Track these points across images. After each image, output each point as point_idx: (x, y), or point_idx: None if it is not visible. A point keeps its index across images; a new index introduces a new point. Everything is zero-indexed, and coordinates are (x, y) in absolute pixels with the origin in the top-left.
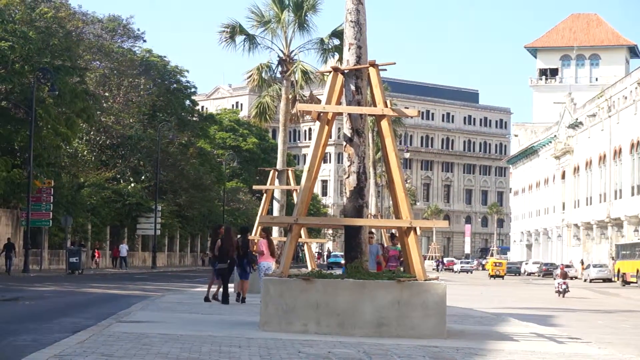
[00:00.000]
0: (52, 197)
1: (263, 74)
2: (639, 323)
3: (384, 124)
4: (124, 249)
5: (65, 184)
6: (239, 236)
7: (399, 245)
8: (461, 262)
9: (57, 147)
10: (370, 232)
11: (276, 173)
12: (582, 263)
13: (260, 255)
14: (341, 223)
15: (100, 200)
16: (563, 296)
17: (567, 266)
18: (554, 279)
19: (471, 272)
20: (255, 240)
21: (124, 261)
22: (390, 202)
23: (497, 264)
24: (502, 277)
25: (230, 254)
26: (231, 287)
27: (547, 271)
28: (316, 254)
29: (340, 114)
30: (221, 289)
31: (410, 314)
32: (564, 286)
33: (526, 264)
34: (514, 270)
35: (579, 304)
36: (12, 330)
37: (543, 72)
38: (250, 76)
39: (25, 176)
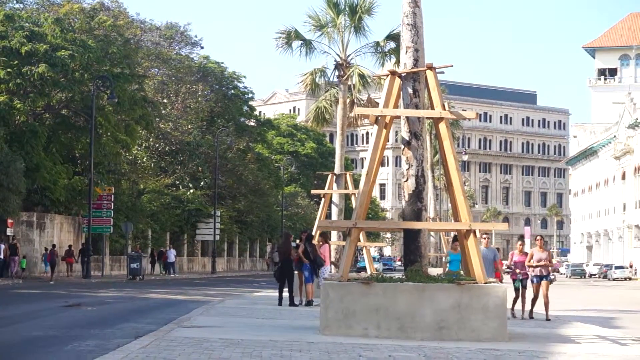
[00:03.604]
0: (112, 203)
1: (317, 79)
2: None
3: (442, 126)
4: (171, 254)
5: (126, 191)
6: (297, 242)
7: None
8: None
9: (116, 154)
10: (486, 233)
11: (334, 177)
12: None
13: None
14: (400, 226)
15: (160, 206)
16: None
17: (620, 267)
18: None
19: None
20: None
21: (171, 267)
22: (449, 205)
23: None
24: None
25: (281, 258)
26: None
27: (605, 273)
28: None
29: (398, 117)
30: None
31: (470, 317)
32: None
33: (587, 265)
34: (579, 272)
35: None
36: (76, 335)
37: (602, 72)
38: (303, 81)
39: (86, 183)
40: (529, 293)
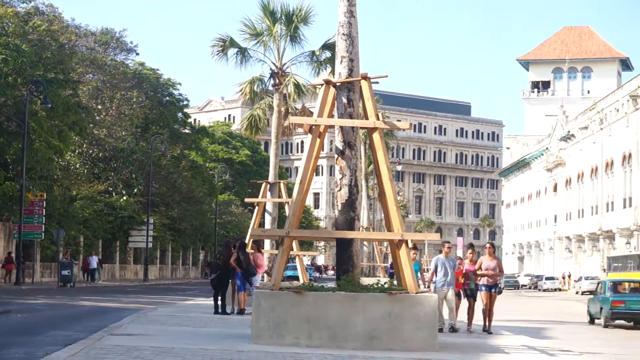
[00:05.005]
0: (44, 209)
1: (255, 87)
2: (630, 335)
3: (376, 136)
4: (93, 261)
5: (58, 197)
6: (233, 250)
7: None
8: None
9: (49, 160)
10: (447, 242)
11: (268, 186)
12: (570, 276)
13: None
14: (333, 236)
15: (93, 213)
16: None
17: (551, 278)
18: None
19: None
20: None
21: (92, 274)
22: (382, 215)
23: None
24: None
25: (222, 266)
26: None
27: (536, 284)
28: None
29: (332, 126)
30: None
31: (401, 326)
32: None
33: (518, 276)
34: (512, 284)
35: (570, 316)
36: (3, 343)
37: (535, 85)
38: (242, 90)
39: (18, 189)
40: (479, 304)
